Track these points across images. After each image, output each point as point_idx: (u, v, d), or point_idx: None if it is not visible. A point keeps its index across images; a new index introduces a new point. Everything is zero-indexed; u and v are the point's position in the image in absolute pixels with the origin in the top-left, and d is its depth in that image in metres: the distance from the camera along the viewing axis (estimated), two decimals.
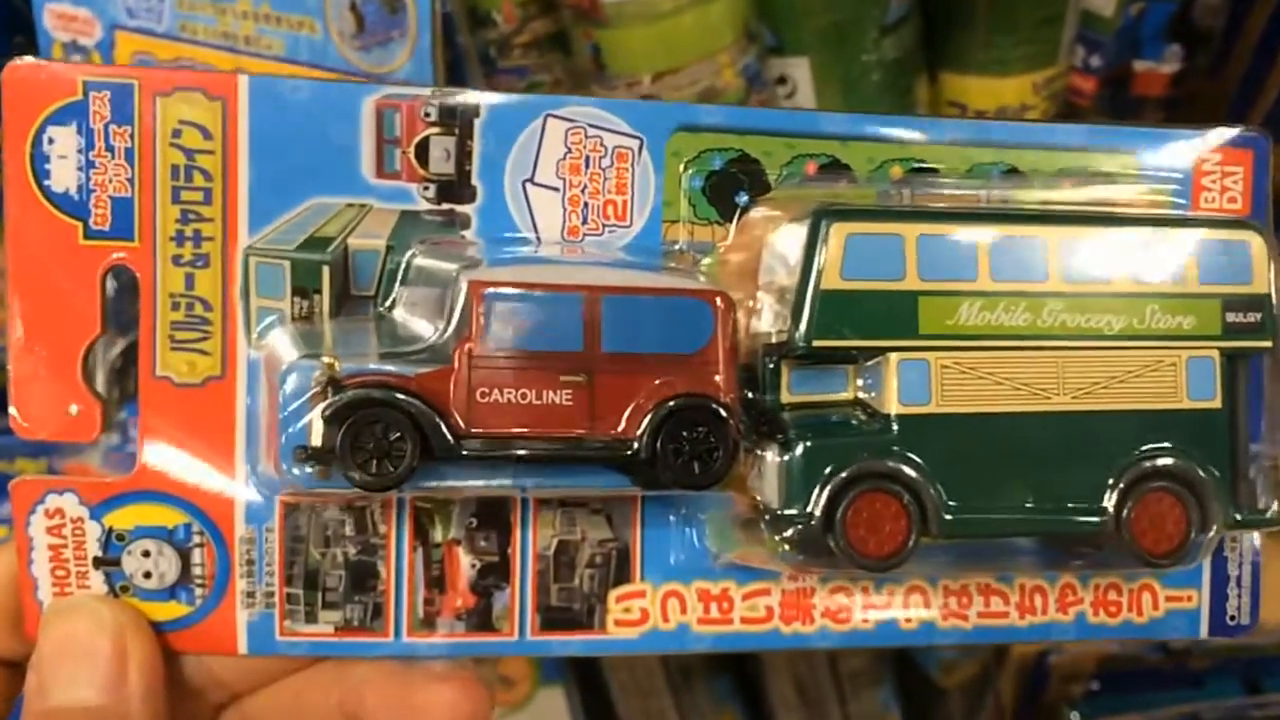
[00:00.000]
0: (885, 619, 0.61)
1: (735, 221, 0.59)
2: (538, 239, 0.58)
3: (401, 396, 0.50)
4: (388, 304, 0.56)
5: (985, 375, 0.53)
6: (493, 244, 0.57)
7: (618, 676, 0.87)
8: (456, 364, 0.51)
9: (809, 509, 0.52)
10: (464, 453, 0.50)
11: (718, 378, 0.52)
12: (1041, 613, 0.62)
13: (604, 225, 0.58)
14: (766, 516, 0.53)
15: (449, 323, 0.53)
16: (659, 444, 0.51)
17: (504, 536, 0.58)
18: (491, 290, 0.51)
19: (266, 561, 0.56)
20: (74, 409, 0.54)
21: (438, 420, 0.50)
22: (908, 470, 0.53)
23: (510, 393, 0.51)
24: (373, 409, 0.50)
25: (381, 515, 0.57)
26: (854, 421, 0.53)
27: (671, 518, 0.59)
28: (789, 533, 0.52)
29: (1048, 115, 0.98)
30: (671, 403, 0.52)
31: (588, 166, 0.58)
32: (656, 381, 0.52)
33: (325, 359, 0.52)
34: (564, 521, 0.58)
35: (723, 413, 0.52)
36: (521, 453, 0.51)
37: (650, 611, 0.59)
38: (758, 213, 0.59)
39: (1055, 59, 0.96)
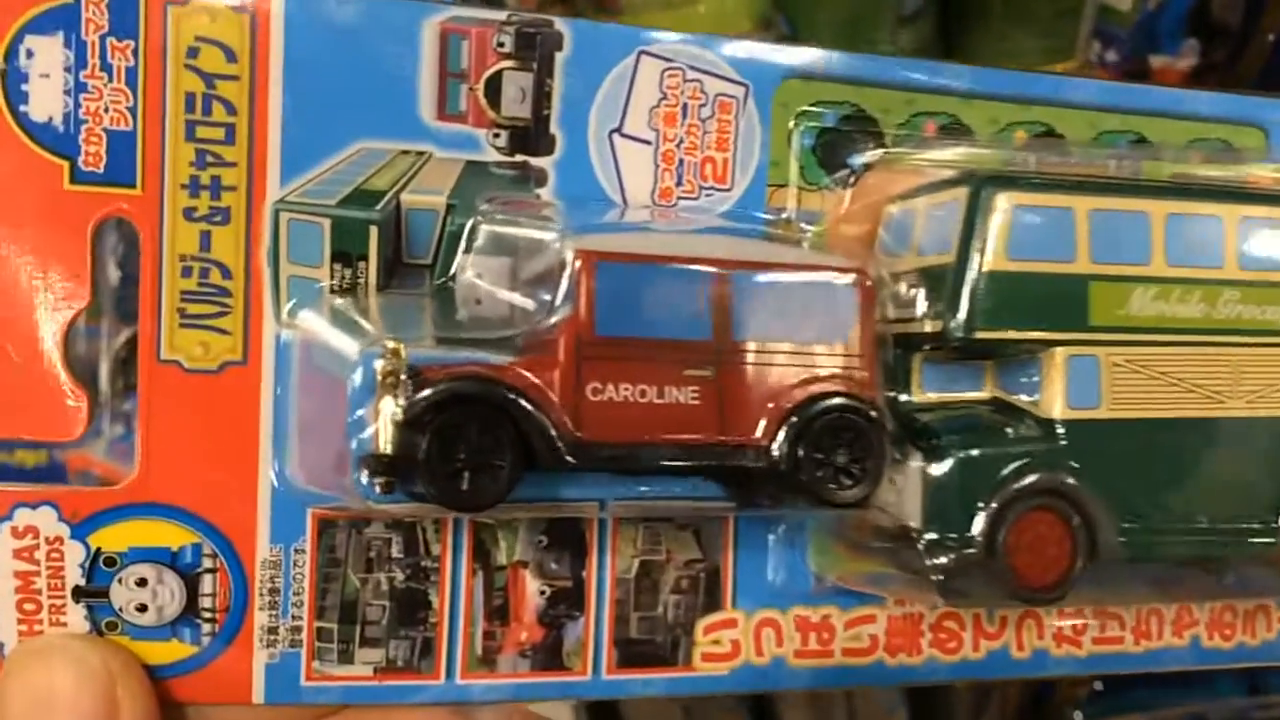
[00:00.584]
0: (996, 647, 0.53)
1: (849, 187, 0.50)
2: (624, 202, 0.48)
3: (501, 393, 0.40)
4: (448, 276, 0.46)
5: (1158, 375, 0.46)
6: (572, 207, 0.47)
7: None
8: (562, 353, 0.41)
9: (968, 532, 0.44)
10: (573, 463, 0.40)
11: (864, 374, 0.44)
12: (1156, 637, 0.56)
13: (700, 188, 0.49)
14: (905, 539, 0.45)
15: (545, 302, 0.43)
16: (801, 454, 0.42)
17: (578, 558, 0.48)
18: (607, 262, 0.41)
19: (294, 590, 0.45)
20: (69, 402, 0.42)
21: (545, 423, 0.40)
22: (1077, 485, 0.45)
23: (627, 389, 0.41)
24: (465, 409, 0.39)
25: (435, 533, 0.47)
26: (1010, 428, 0.46)
27: (769, 535, 0.50)
28: (941, 560, 0.44)
29: None
30: (815, 405, 0.43)
31: (685, 116, 0.48)
32: (795, 378, 0.43)
33: (389, 343, 0.41)
34: (647, 539, 0.49)
35: (874, 417, 0.43)
36: (641, 463, 0.41)
37: (742, 644, 0.50)
38: (873, 178, 0.50)
39: (1072, 53, 0.92)
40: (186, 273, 0.44)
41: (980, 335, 0.44)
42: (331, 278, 0.45)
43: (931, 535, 0.44)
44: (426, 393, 0.39)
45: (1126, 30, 0.90)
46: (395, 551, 0.47)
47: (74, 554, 0.43)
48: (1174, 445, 0.46)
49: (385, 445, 0.40)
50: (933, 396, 0.48)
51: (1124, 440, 0.46)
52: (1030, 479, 0.45)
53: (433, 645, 0.47)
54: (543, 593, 0.48)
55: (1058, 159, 0.52)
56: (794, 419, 0.43)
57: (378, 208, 0.45)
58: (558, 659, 0.48)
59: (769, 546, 0.50)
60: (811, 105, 0.50)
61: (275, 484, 0.45)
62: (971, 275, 0.45)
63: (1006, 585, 0.44)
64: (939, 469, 0.45)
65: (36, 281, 0.42)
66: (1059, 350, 0.45)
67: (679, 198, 0.49)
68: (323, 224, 0.45)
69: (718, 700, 0.81)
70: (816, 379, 0.43)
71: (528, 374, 0.41)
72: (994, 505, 0.44)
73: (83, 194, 0.42)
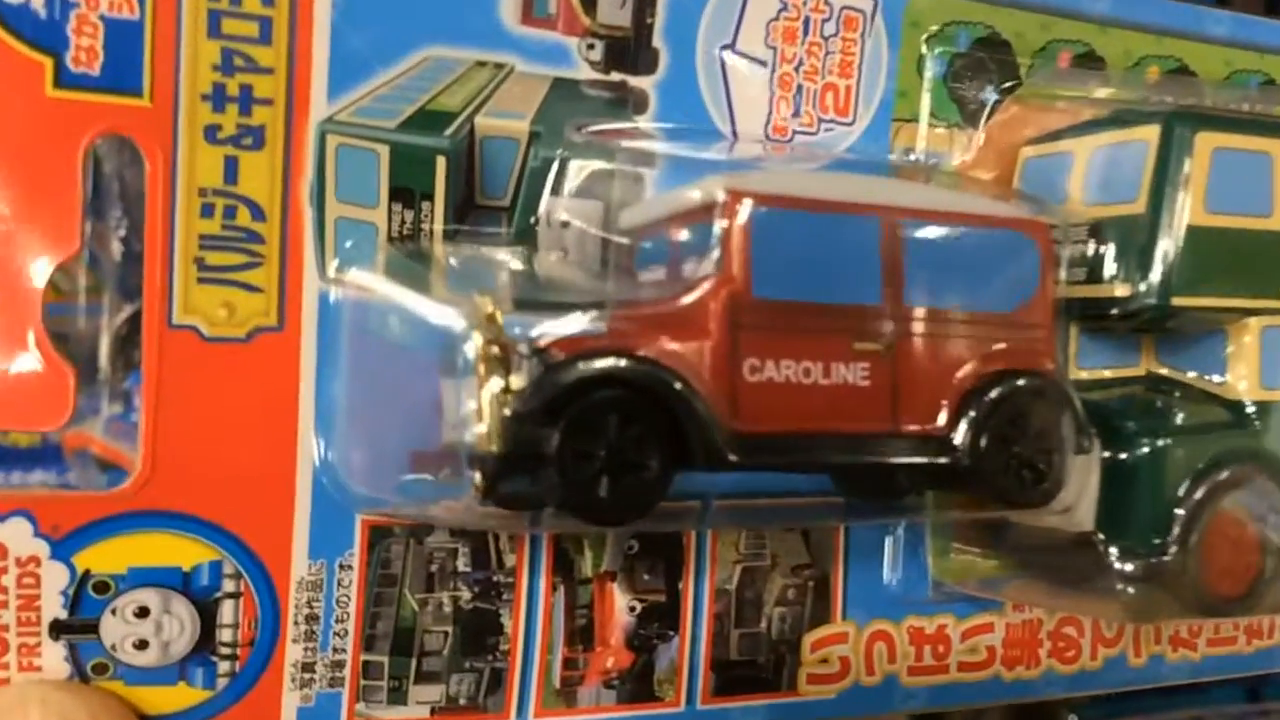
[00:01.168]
0: (1114, 655, 0.47)
1: (981, 126, 0.43)
2: (733, 135, 0.39)
3: (652, 374, 0.31)
4: (530, 221, 0.37)
5: None
6: (674, 138, 0.38)
7: None
8: (713, 321, 0.32)
9: (1159, 536, 0.37)
10: (735, 460, 0.32)
11: (1046, 346, 0.36)
12: (1267, 636, 0.50)
13: (820, 120, 0.40)
14: (1073, 543, 0.38)
15: (657, 255, 0.34)
16: (984, 445, 0.35)
17: (674, 567, 0.40)
18: (766, 207, 0.33)
19: (337, 616, 0.36)
20: (48, 380, 0.32)
21: (704, 411, 0.31)
22: (1272, 479, 0.39)
23: (790, 367, 0.33)
24: (607, 396, 0.30)
25: (510, 542, 0.38)
26: (1197, 413, 0.39)
27: (886, 535, 0.43)
28: (1128, 568, 0.37)
29: None
30: (1000, 384, 0.35)
31: (806, 33, 0.40)
32: (975, 352, 0.35)
33: (485, 307, 0.32)
34: (750, 542, 0.41)
35: (1066, 396, 0.36)
36: (808, 461, 0.33)
37: (852, 661, 0.43)
38: (1008, 115, 0.43)
39: None
40: (207, 211, 0.33)
41: (1177, 302, 0.37)
42: (389, 221, 0.35)
43: (1115, 540, 0.37)
44: (558, 374, 0.30)
45: None
46: (462, 565, 0.37)
47: (54, 578, 0.33)
48: None
49: (491, 441, 0.31)
50: (1088, 373, 0.40)
51: None
52: (1226, 473, 0.38)
53: (503, 677, 0.38)
54: (632, 609, 0.40)
55: (1192, 100, 0.45)
56: (978, 402, 0.35)
57: (447, 133, 0.36)
58: (647, 687, 0.40)
59: (885, 547, 0.43)
60: (946, 24, 0.42)
61: (316, 482, 0.35)
62: (1168, 231, 0.37)
63: (1198, 595, 0.38)
64: (1124, 461, 0.37)
65: (4, 222, 0.32)
66: (1253, 321, 0.39)
67: (795, 132, 0.40)
68: (379, 152, 0.35)
69: None
70: (997, 353, 0.36)
71: (672, 348, 0.32)
72: (1190, 504, 0.37)
73: (70, 103, 0.32)
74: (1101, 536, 0.38)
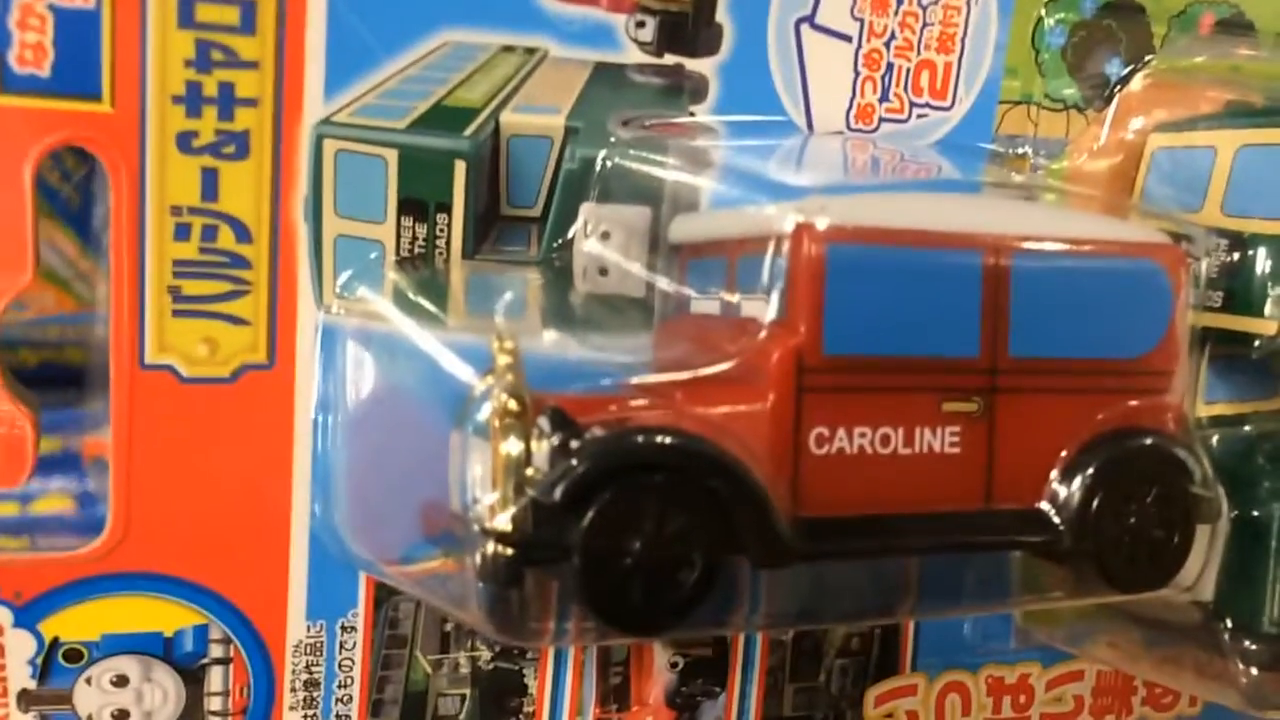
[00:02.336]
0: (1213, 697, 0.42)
1: (1110, 106, 0.36)
2: (809, 125, 0.33)
3: (701, 453, 0.26)
4: (563, 236, 0.32)
5: None
6: (740, 131, 0.33)
7: None
8: (772, 382, 0.27)
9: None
10: (796, 552, 0.27)
11: (1171, 396, 0.31)
12: None
13: (911, 104, 0.34)
14: (1193, 619, 0.33)
15: (744, 292, 0.29)
16: (1091, 519, 0.29)
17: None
18: (842, 243, 0.27)
19: (340, 681, 0.32)
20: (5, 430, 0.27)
21: (761, 495, 0.26)
22: None
23: (864, 436, 0.28)
24: (645, 480, 0.25)
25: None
26: None
27: (964, 576, 0.37)
28: (1253, 648, 0.32)
29: None
30: (1114, 446, 0.30)
31: (901, 2, 0.33)
32: (1089, 409, 0.30)
33: (503, 352, 0.27)
34: (811, 588, 0.36)
35: (1190, 466, 0.30)
36: (884, 550, 0.28)
37: (920, 716, 0.38)
38: (1136, 94, 0.36)
39: None
40: (182, 233, 0.28)
41: None
42: (398, 238, 0.30)
43: (1237, 616, 0.32)
44: (588, 454, 0.25)
45: None
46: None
47: (20, 647, 0.29)
48: None
49: (501, 519, 0.26)
50: (1216, 409, 0.35)
51: None
52: None
53: None
54: (674, 665, 0.35)
55: None
56: (1084, 469, 0.29)
57: (467, 133, 0.30)
58: None
59: (963, 591, 0.38)
60: None
61: (314, 537, 0.31)
62: None
63: None
64: (1252, 523, 0.32)
65: None
66: None
67: (881, 119, 0.34)
68: (386, 158, 0.30)
69: None
70: (1116, 409, 0.30)
71: (729, 418, 0.27)
72: None
73: (14, 111, 0.27)
74: (1222, 612, 0.32)
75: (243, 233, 0.29)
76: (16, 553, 0.29)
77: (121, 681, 0.30)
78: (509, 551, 0.25)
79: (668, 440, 0.26)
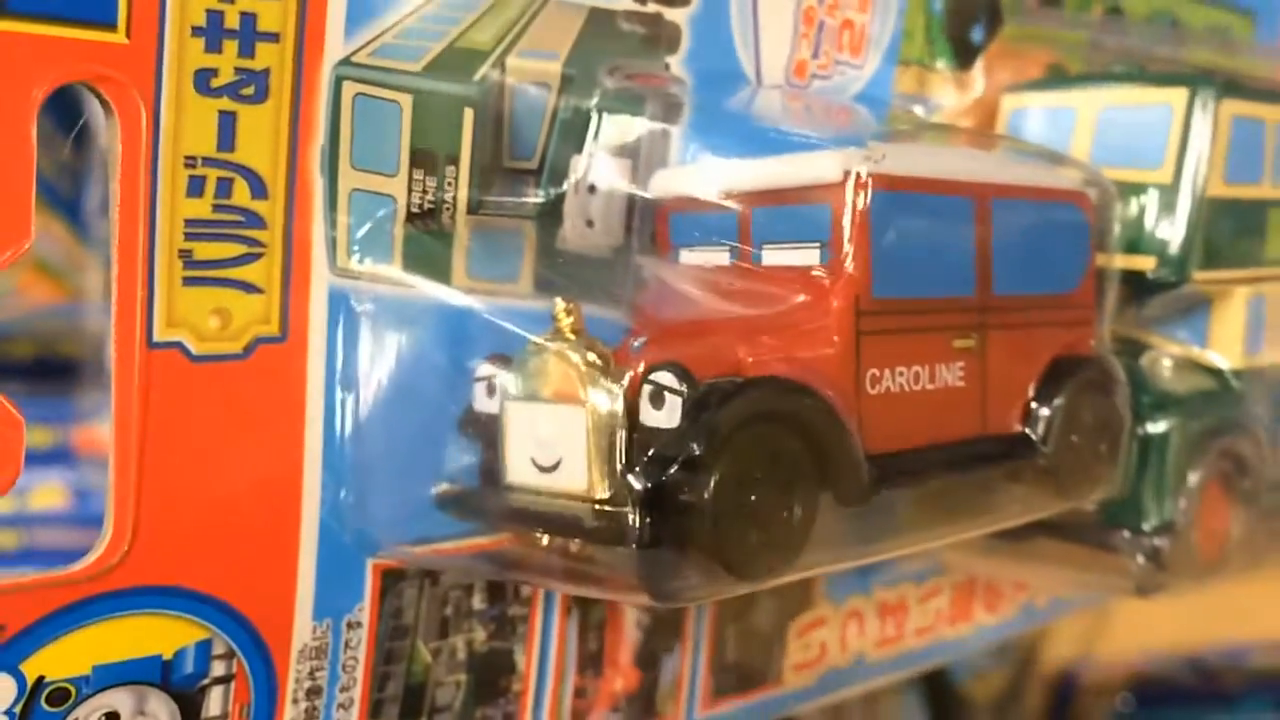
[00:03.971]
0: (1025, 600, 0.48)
1: (972, 71, 0.40)
2: (757, 78, 0.34)
3: (812, 402, 0.26)
4: (573, 185, 0.30)
5: None
6: (704, 83, 0.33)
7: None
8: (836, 327, 0.28)
9: (1171, 513, 0.37)
10: (871, 489, 0.28)
11: (1097, 329, 0.34)
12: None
13: (835, 62, 0.36)
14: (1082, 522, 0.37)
15: (771, 245, 0.29)
16: (1059, 440, 0.33)
17: None
18: (891, 193, 0.28)
19: (343, 684, 0.29)
20: None
21: (850, 436, 0.27)
22: (1250, 445, 0.39)
23: (904, 374, 0.29)
24: (759, 427, 0.25)
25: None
26: (1188, 381, 0.38)
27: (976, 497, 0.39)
28: (1155, 544, 0.37)
29: None
30: (1073, 376, 0.33)
31: None
32: (1046, 341, 0.33)
33: (563, 314, 0.26)
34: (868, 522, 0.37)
35: (1120, 387, 0.34)
36: (926, 479, 0.29)
37: (829, 645, 0.40)
38: (990, 58, 0.40)
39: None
40: (195, 188, 0.24)
41: (1199, 277, 0.36)
42: (409, 192, 0.28)
43: (1126, 521, 0.37)
44: (717, 405, 0.25)
45: None
46: (478, 603, 0.31)
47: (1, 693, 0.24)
48: None
49: (597, 485, 0.25)
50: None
51: (1269, 391, 0.40)
52: (1222, 443, 0.38)
53: None
54: (640, 624, 0.35)
55: (1116, 41, 0.45)
56: (1048, 395, 0.33)
57: (476, 78, 0.28)
58: (650, 706, 0.36)
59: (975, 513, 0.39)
60: None
61: (323, 527, 0.28)
62: (1194, 202, 0.36)
63: (1193, 566, 0.38)
64: (1141, 437, 0.37)
65: None
66: (1240, 290, 0.39)
67: (813, 75, 0.35)
68: (402, 103, 0.27)
69: None
70: (1063, 339, 0.33)
71: (807, 365, 0.27)
72: (1194, 476, 0.37)
73: (19, 39, 0.22)
74: (1114, 514, 0.37)
75: (258, 187, 0.25)
76: (4, 570, 0.24)
77: (111, 719, 0.26)
78: (665, 512, 0.24)
79: (786, 389, 0.26)
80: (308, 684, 0.28)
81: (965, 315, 0.31)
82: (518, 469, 0.27)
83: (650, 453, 0.25)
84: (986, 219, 0.31)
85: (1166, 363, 0.39)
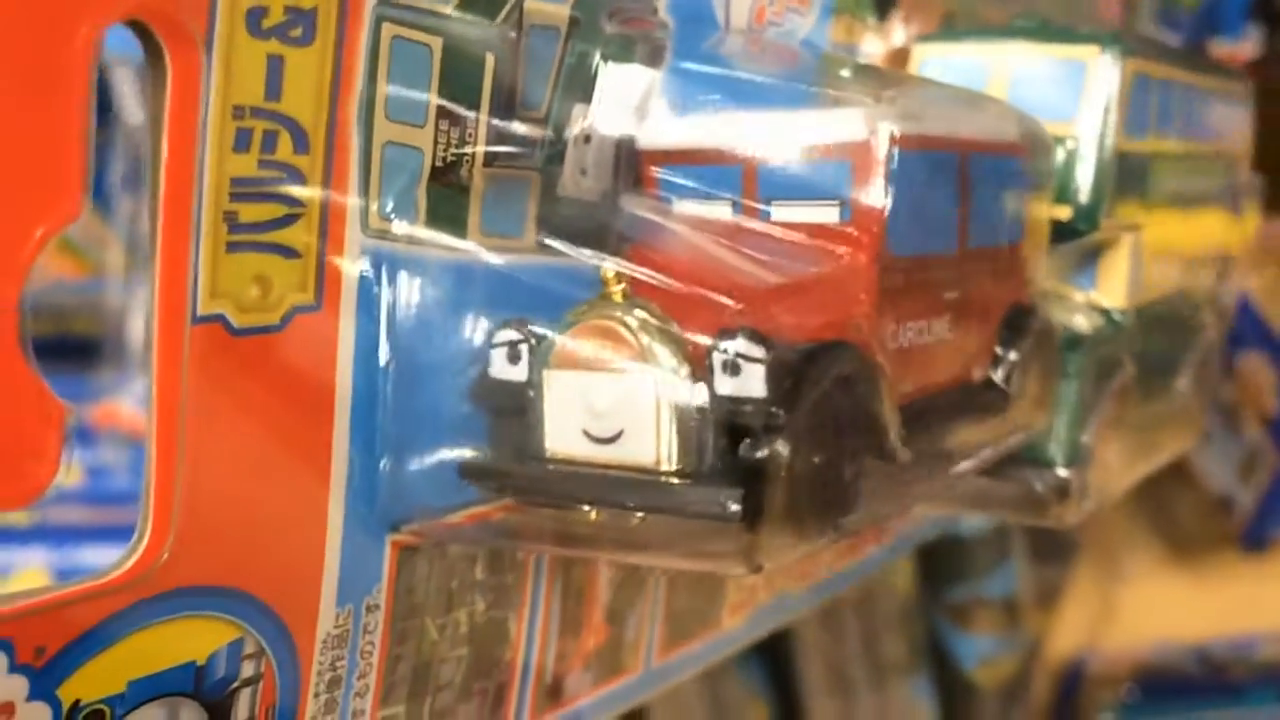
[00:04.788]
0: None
1: (891, 19, 0.40)
2: (726, 25, 0.33)
3: (871, 364, 0.26)
4: (573, 135, 0.29)
5: (1163, 254, 0.44)
6: (684, 26, 0.32)
7: None
8: (865, 285, 0.28)
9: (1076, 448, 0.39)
10: (901, 443, 0.28)
11: (1032, 277, 0.36)
12: None
13: (786, 9, 0.36)
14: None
15: (777, 201, 0.29)
16: (1018, 382, 0.34)
17: None
18: (908, 152, 0.28)
19: (360, 671, 0.27)
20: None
21: (888, 393, 0.27)
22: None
23: (910, 330, 0.30)
24: (826, 390, 0.25)
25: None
26: (1088, 322, 0.41)
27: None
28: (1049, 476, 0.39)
29: None
30: (1025, 324, 0.35)
31: None
32: (1002, 292, 0.34)
33: (612, 279, 0.25)
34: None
35: (1056, 332, 0.36)
36: (935, 434, 0.30)
37: (757, 585, 0.41)
38: (900, 10, 0.41)
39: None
40: (243, 141, 0.22)
41: (1105, 224, 0.39)
42: (434, 144, 0.26)
43: (1036, 455, 0.39)
44: (799, 368, 0.24)
45: (1190, 15, 0.80)
46: (480, 573, 0.30)
47: None
48: (1167, 325, 0.45)
49: (670, 457, 0.24)
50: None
51: (1142, 328, 0.44)
52: (1116, 379, 0.41)
53: (505, 691, 0.31)
54: (612, 583, 0.34)
55: None
56: (1014, 344, 0.34)
57: (499, 18, 0.26)
58: (617, 660, 0.35)
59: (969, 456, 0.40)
60: None
61: (349, 507, 0.25)
62: (1102, 154, 0.38)
63: (1091, 497, 0.41)
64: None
65: None
66: (1126, 237, 0.41)
67: (769, 22, 0.35)
68: (433, 46, 0.25)
69: (739, 689, 0.65)
70: (1011, 288, 0.35)
71: (848, 324, 0.27)
72: (1097, 413, 0.40)
73: None
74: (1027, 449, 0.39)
75: (301, 140, 0.23)
76: (39, 594, 0.20)
77: None
78: (762, 483, 0.23)
79: (849, 353, 0.26)
80: (329, 675, 0.26)
81: (951, 269, 0.31)
82: (563, 440, 0.26)
83: (734, 423, 0.24)
84: (966, 173, 0.32)
85: (1069, 306, 0.41)
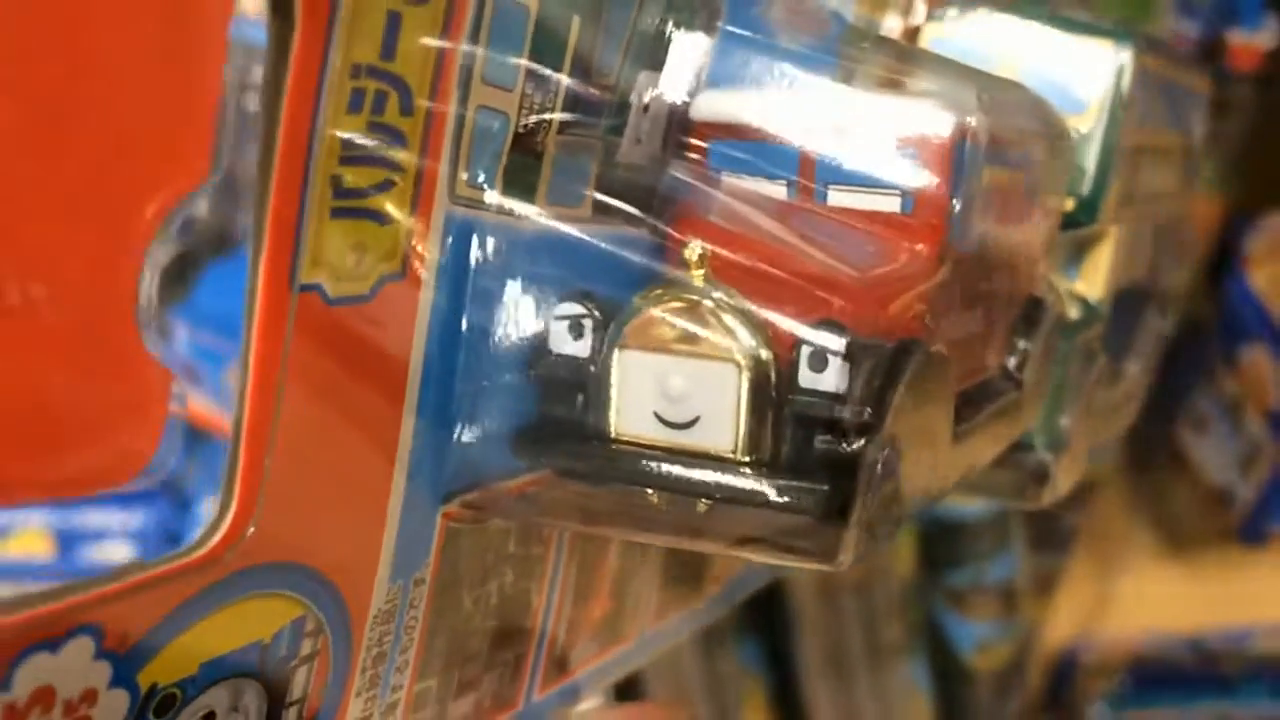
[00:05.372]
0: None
1: None
2: None
3: (928, 356, 0.26)
4: (636, 103, 0.28)
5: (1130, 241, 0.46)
6: None
7: None
8: (925, 278, 0.28)
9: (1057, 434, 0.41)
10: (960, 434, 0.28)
11: (1044, 266, 0.37)
12: None
13: None
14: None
15: (835, 187, 0.28)
16: (1029, 373, 0.35)
17: None
18: (975, 146, 0.28)
19: (402, 646, 0.26)
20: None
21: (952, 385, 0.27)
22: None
23: (955, 322, 0.30)
24: (912, 386, 0.25)
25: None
26: (1074, 310, 0.42)
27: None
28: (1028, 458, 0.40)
29: None
30: (1039, 315, 0.35)
31: None
32: (1020, 283, 0.35)
33: (696, 260, 0.25)
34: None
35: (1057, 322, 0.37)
36: (977, 417, 0.31)
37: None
38: None
39: (1149, 23, 0.77)
40: (356, 103, 0.20)
41: (1103, 219, 0.40)
42: (519, 110, 0.24)
43: (1034, 438, 0.40)
44: (889, 373, 0.24)
45: (1208, 5, 0.78)
46: (512, 545, 0.29)
47: (111, 711, 0.20)
48: (1125, 310, 0.47)
49: (751, 447, 0.24)
50: None
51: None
52: (1095, 366, 0.42)
53: (522, 662, 0.31)
54: (619, 554, 0.34)
55: None
56: (1028, 335, 0.35)
57: None
58: (618, 628, 0.35)
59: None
60: None
61: (411, 479, 0.25)
62: (1110, 149, 0.39)
63: (1066, 479, 0.42)
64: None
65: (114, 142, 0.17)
66: (1113, 229, 0.42)
67: None
68: (530, 6, 0.24)
69: (736, 666, 0.63)
70: (1034, 278, 0.35)
71: (914, 314, 0.27)
72: (1076, 399, 0.41)
73: None
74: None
75: (407, 102, 0.21)
76: (126, 577, 0.19)
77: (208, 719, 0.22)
78: (846, 480, 0.23)
79: (923, 350, 0.26)
80: (376, 650, 0.25)
81: (993, 260, 0.32)
82: (632, 421, 0.25)
83: (817, 417, 0.24)
84: (1013, 165, 0.32)
85: (1059, 294, 0.42)
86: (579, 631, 0.33)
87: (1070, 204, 0.39)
